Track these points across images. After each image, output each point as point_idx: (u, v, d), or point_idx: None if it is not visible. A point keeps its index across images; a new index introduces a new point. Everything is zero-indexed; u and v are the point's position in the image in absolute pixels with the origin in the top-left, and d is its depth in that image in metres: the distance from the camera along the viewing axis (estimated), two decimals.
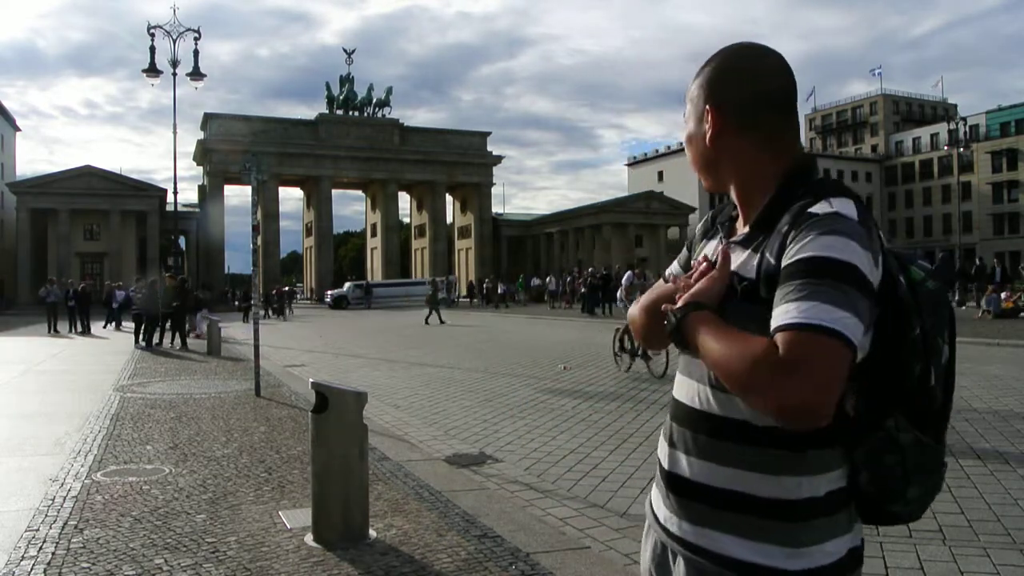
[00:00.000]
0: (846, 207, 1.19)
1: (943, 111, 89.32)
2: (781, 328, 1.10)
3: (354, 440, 4.13)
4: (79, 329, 24.56)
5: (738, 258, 1.30)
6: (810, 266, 1.13)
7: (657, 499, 1.42)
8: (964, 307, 27.85)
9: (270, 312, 37.40)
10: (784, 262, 1.17)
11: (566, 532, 4.37)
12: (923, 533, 4.21)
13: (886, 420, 1.23)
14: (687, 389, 1.36)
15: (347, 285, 55.19)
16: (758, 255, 1.25)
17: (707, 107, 1.34)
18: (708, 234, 1.49)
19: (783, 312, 1.11)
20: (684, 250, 1.58)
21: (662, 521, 1.38)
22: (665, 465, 1.37)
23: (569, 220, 72.09)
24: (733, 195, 1.40)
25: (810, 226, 1.17)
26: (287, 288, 48.93)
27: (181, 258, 41.35)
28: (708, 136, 1.34)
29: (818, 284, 1.11)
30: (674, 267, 1.56)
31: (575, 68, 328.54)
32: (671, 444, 1.37)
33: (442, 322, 27.23)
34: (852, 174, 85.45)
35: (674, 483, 1.34)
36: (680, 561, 1.33)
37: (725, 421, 1.27)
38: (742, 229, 1.36)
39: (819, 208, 1.19)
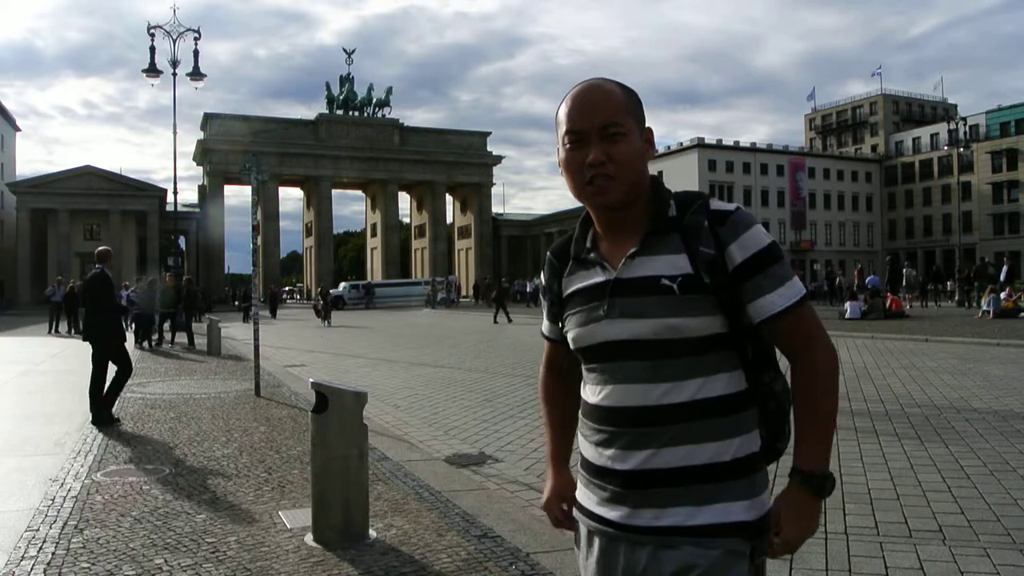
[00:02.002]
0: (731, 204, 1.48)
1: (943, 111, 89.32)
2: (788, 310, 1.41)
3: (354, 440, 4.13)
4: (78, 329, 24.43)
5: (653, 262, 1.44)
6: (771, 253, 1.42)
7: (594, 502, 1.52)
8: (966, 307, 27.86)
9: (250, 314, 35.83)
10: (740, 253, 1.41)
11: (566, 532, 4.36)
12: (923, 533, 4.21)
13: (762, 375, 1.48)
14: (620, 394, 1.46)
15: (342, 285, 54.64)
16: (684, 253, 1.42)
17: (648, 127, 1.51)
18: (566, 270, 1.58)
19: (779, 296, 1.41)
20: (543, 299, 1.70)
21: (613, 519, 1.47)
22: (616, 466, 1.46)
23: (569, 220, 72.04)
24: (603, 213, 1.51)
25: (735, 222, 1.43)
26: (286, 288, 48.58)
27: (181, 258, 41.33)
28: (650, 153, 1.51)
29: (783, 265, 1.42)
30: (545, 325, 1.73)
31: (573, 68, 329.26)
32: (614, 446, 1.46)
33: (509, 321, 27.31)
34: (852, 174, 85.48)
35: (629, 478, 1.44)
36: (641, 551, 1.43)
37: (670, 408, 1.42)
38: (619, 243, 1.49)
39: (720, 206, 1.46)
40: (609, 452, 1.47)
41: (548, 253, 1.66)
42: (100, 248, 9.00)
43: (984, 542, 4.05)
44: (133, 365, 8.65)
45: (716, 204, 1.46)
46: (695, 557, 1.38)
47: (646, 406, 1.42)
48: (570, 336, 1.55)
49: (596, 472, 1.50)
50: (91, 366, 8.20)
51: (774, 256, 1.42)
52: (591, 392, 1.53)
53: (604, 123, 1.44)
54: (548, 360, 1.81)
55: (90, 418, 7.85)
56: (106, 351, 8.29)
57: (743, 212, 1.45)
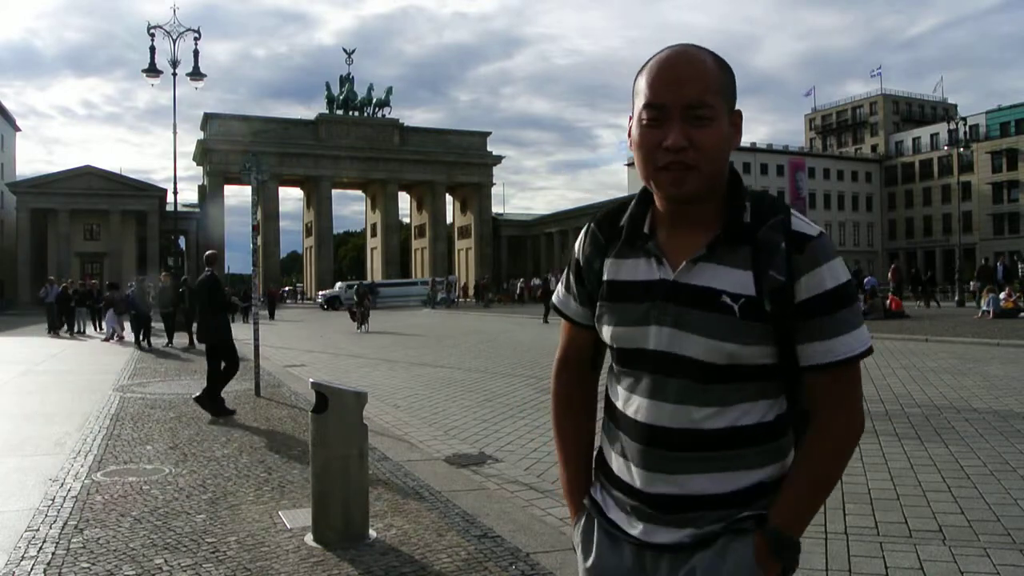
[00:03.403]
0: (814, 225, 1.31)
1: (943, 111, 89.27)
2: (833, 365, 1.27)
3: (354, 440, 4.13)
4: (77, 329, 24.33)
5: (717, 273, 1.29)
6: (845, 294, 1.27)
7: (614, 510, 1.41)
8: (964, 306, 27.90)
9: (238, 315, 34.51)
10: (806, 289, 1.25)
11: (566, 532, 4.36)
12: (923, 533, 4.21)
13: (801, 401, 1.36)
14: (656, 411, 1.33)
15: (339, 285, 53.92)
16: (751, 272, 1.27)
17: (738, 110, 1.34)
18: (614, 250, 1.41)
19: (831, 348, 1.26)
20: (569, 275, 1.51)
21: (634, 535, 1.37)
22: (643, 487, 1.35)
23: (569, 220, 72.04)
24: (672, 203, 1.34)
25: (814, 251, 1.26)
26: (286, 288, 48.20)
27: (181, 258, 41.29)
28: (737, 141, 1.34)
29: (854, 311, 1.28)
30: (567, 303, 1.51)
31: (572, 68, 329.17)
32: (642, 465, 1.34)
33: (545, 322, 26.90)
34: (852, 174, 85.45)
35: (656, 501, 1.34)
36: (665, 559, 1.34)
37: (710, 433, 1.31)
38: (682, 238, 1.34)
39: (802, 227, 1.28)
40: (636, 471, 1.35)
41: (592, 223, 1.47)
42: (209, 252, 9.55)
43: (984, 542, 4.05)
44: (239, 363, 9.07)
45: (798, 224, 1.28)
46: (719, 561, 1.31)
47: (684, 428, 1.30)
48: (608, 330, 1.39)
49: (620, 486, 1.39)
50: (207, 366, 8.68)
51: (843, 301, 1.26)
52: (623, 398, 1.39)
53: (691, 102, 1.25)
54: (564, 356, 1.57)
55: (208, 418, 8.10)
56: (219, 350, 8.73)
57: (826, 240, 1.28)
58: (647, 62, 1.31)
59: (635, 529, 1.36)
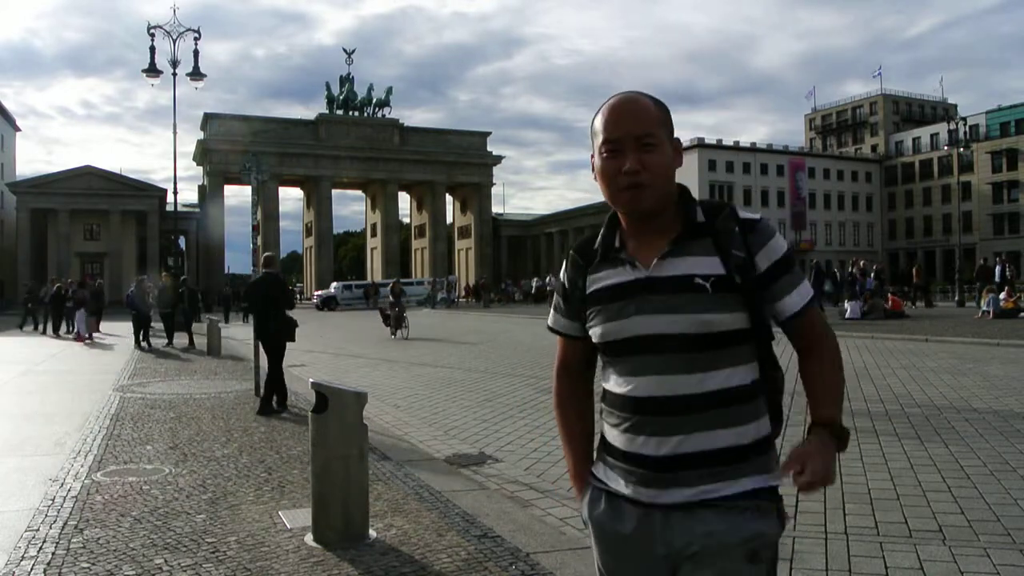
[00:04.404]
0: (754, 213, 1.63)
1: (943, 111, 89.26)
2: (804, 309, 1.59)
3: (354, 440, 4.13)
4: (68, 329, 24.08)
5: (684, 262, 1.55)
6: (790, 260, 1.59)
7: (621, 484, 1.60)
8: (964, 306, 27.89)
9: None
10: (766, 259, 1.56)
11: (566, 532, 4.37)
12: (923, 533, 4.21)
13: (769, 368, 1.63)
14: (652, 385, 1.55)
15: (334, 285, 53.61)
16: (716, 256, 1.54)
17: (677, 139, 1.63)
18: (591, 268, 1.66)
19: (799, 296, 1.58)
20: (558, 299, 1.77)
21: (643, 500, 1.56)
22: (648, 452, 1.55)
23: (569, 220, 72.11)
24: (635, 218, 1.60)
25: (762, 230, 1.58)
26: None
27: (181, 258, 41.32)
28: (678, 163, 1.61)
29: (798, 271, 1.60)
30: (559, 321, 1.77)
31: (571, 68, 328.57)
32: (645, 433, 1.56)
33: None
34: (852, 174, 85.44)
35: (661, 463, 1.54)
36: (675, 518, 1.53)
37: (700, 396, 1.53)
38: (648, 244, 1.59)
39: (748, 215, 1.60)
40: (640, 439, 1.56)
41: (571, 251, 1.74)
42: (268, 254, 9.70)
43: (984, 542, 4.05)
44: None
45: (743, 213, 1.60)
46: (727, 519, 1.51)
47: (678, 395, 1.53)
48: (597, 331, 1.63)
49: (625, 458, 1.59)
50: (270, 365, 8.75)
51: (792, 262, 1.59)
52: (616, 383, 1.62)
53: (639, 134, 1.54)
54: (563, 362, 1.83)
55: (258, 408, 8.45)
56: (281, 350, 8.83)
57: (767, 221, 1.61)
58: (600, 107, 1.61)
59: (639, 494, 1.56)
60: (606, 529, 1.63)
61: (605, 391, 1.67)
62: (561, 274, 1.76)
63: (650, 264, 1.56)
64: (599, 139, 1.58)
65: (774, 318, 1.60)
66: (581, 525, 4.51)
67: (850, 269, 30.63)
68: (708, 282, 1.52)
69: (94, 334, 21.58)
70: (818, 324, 1.63)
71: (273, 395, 8.52)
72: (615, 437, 1.62)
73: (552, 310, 1.81)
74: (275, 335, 8.80)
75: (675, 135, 1.63)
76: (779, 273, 1.57)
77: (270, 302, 8.89)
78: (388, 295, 25.88)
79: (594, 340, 1.65)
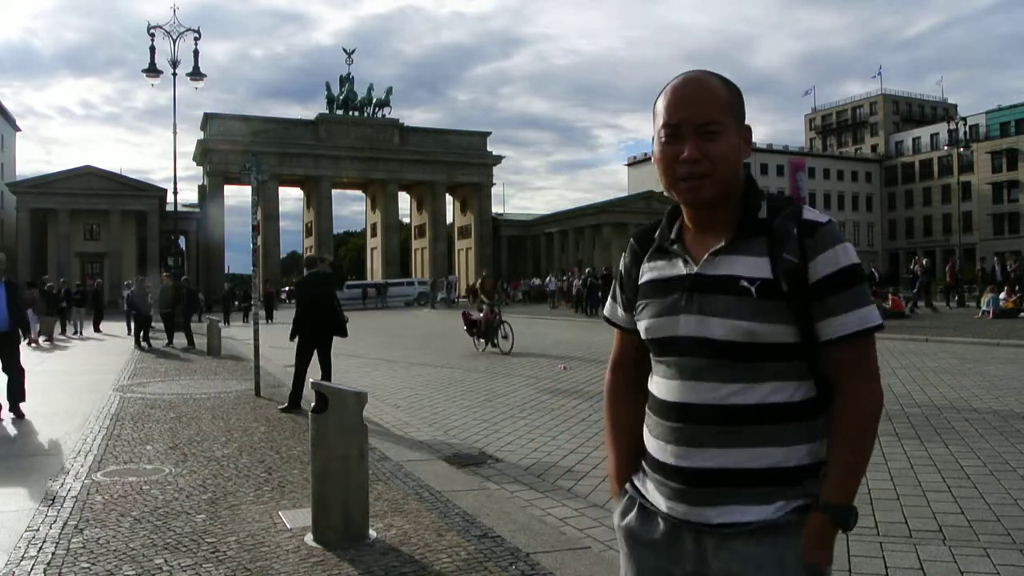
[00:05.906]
0: (824, 215, 1.46)
1: (943, 111, 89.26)
2: (853, 336, 1.40)
3: (354, 440, 4.13)
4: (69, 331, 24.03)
5: (735, 262, 1.44)
6: (852, 274, 1.40)
7: (655, 494, 1.52)
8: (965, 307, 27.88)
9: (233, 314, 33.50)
10: (821, 268, 1.39)
11: (566, 532, 4.36)
12: (923, 533, 4.21)
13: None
14: (687, 391, 1.46)
15: None
16: (767, 257, 1.41)
17: (747, 126, 1.51)
18: (647, 257, 1.59)
19: (854, 319, 1.39)
20: (615, 286, 1.70)
21: (675, 515, 1.47)
22: (678, 462, 1.46)
23: (569, 220, 72.02)
24: (693, 209, 1.51)
25: (823, 235, 1.41)
26: (286, 288, 47.53)
27: (181, 258, 41.30)
28: (746, 152, 1.51)
29: (863, 290, 1.41)
30: (615, 311, 1.69)
31: (570, 68, 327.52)
32: (677, 442, 1.46)
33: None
34: (852, 174, 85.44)
35: (691, 476, 1.44)
36: (706, 542, 1.43)
37: (739, 409, 1.42)
38: (705, 239, 1.49)
39: (813, 216, 1.44)
40: (671, 448, 1.47)
41: (631, 238, 1.66)
42: (310, 255, 9.90)
43: (984, 542, 4.05)
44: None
45: (808, 213, 1.45)
46: (760, 553, 1.39)
47: (713, 404, 1.42)
48: (643, 325, 1.55)
49: (657, 467, 1.51)
50: (320, 361, 9.34)
51: (856, 278, 1.41)
52: (657, 385, 1.53)
53: (702, 120, 1.43)
54: (616, 356, 1.74)
55: (286, 405, 8.68)
56: (329, 347, 9.27)
57: (834, 227, 1.44)
58: (663, 87, 1.50)
59: (671, 509, 1.48)
60: (634, 541, 1.54)
61: (648, 391, 1.58)
62: (621, 261, 1.69)
63: (701, 260, 1.47)
64: (659, 121, 1.47)
65: (818, 339, 1.41)
66: (581, 525, 4.51)
67: None
68: (754, 285, 1.40)
69: (94, 334, 21.59)
70: (865, 366, 1.41)
71: (302, 391, 8.63)
72: (650, 443, 1.54)
73: (609, 298, 1.73)
74: (333, 328, 9.29)
75: (746, 121, 1.49)
76: (835, 287, 1.39)
77: (326, 299, 9.26)
78: (477, 294, 18.01)
79: (641, 335, 1.56)
